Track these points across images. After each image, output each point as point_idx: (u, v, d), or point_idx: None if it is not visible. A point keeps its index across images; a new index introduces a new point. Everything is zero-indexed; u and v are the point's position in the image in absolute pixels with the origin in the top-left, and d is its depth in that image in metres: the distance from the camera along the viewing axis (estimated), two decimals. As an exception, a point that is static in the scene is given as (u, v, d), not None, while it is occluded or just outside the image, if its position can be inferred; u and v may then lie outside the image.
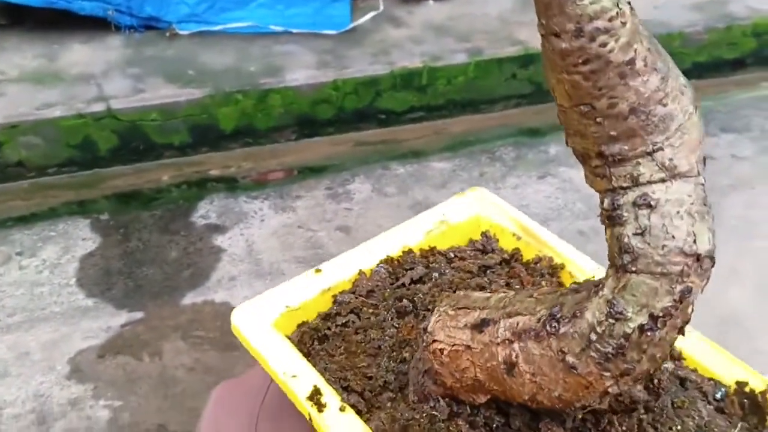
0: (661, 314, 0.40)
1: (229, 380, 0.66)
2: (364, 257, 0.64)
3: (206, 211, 1.74)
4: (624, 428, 0.49)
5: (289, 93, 1.98)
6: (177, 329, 1.37)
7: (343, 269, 0.63)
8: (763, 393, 0.52)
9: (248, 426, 0.63)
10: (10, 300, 1.47)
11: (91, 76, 1.98)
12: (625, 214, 0.41)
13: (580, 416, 0.48)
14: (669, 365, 0.54)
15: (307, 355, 0.57)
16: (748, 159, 1.98)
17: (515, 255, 0.68)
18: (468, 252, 0.68)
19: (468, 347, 0.46)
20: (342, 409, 0.51)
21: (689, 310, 0.41)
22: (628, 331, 0.40)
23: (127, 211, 1.76)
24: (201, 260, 1.56)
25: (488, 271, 0.66)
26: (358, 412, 0.52)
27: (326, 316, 0.61)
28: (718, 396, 0.53)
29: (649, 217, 0.40)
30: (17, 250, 1.62)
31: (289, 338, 0.58)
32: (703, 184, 0.42)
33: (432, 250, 0.67)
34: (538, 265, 0.66)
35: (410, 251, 0.66)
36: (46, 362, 1.32)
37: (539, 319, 0.43)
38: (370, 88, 2.04)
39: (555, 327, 0.42)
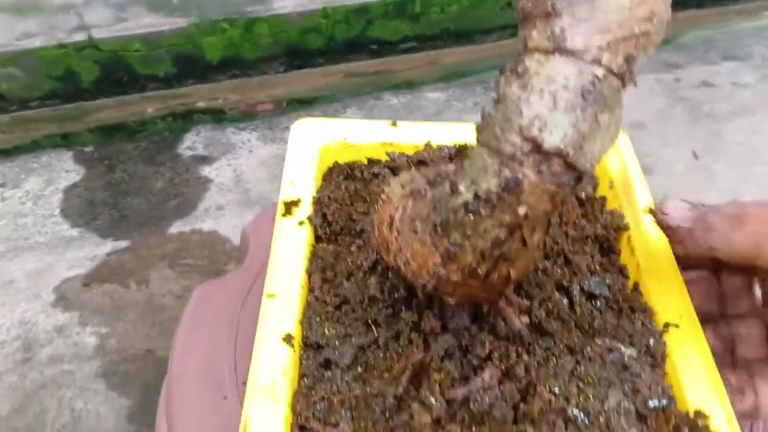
0: (483, 197, 0.34)
1: (212, 281, 0.64)
2: (438, 134, 0.60)
3: (192, 143, 1.70)
4: (497, 355, 0.44)
5: (278, 21, 1.91)
6: (164, 258, 1.34)
7: (416, 136, 0.60)
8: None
9: (228, 334, 0.60)
10: (-7, 231, 1.44)
11: (72, 6, 1.90)
12: (502, 80, 0.34)
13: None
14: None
15: (323, 180, 0.56)
16: (750, 86, 1.93)
17: None
18: None
19: (385, 199, 0.43)
20: (300, 223, 0.50)
21: (520, 211, 0.34)
22: (455, 205, 0.35)
23: (112, 143, 1.71)
24: (188, 190, 1.52)
25: None
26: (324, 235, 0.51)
27: (369, 162, 0.58)
28: (652, 404, 0.41)
29: (511, 85, 0.34)
30: (0, 182, 1.58)
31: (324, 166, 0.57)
32: (599, 79, 0.33)
33: None
34: None
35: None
36: (31, 290, 1.30)
37: (427, 181, 0.40)
38: (361, 16, 1.97)
39: (425, 189, 0.39)
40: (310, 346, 0.44)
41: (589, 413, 0.40)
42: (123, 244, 1.40)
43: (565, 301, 0.47)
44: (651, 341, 0.44)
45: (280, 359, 0.41)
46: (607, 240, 0.51)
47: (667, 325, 0.45)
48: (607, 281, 0.48)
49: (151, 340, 1.21)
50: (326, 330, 0.45)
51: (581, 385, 0.42)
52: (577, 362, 0.43)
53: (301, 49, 1.97)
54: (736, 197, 1.49)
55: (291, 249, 0.48)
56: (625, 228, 0.51)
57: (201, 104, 1.86)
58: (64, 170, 1.62)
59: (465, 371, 0.43)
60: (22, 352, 1.19)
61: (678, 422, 0.40)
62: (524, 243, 0.36)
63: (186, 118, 1.80)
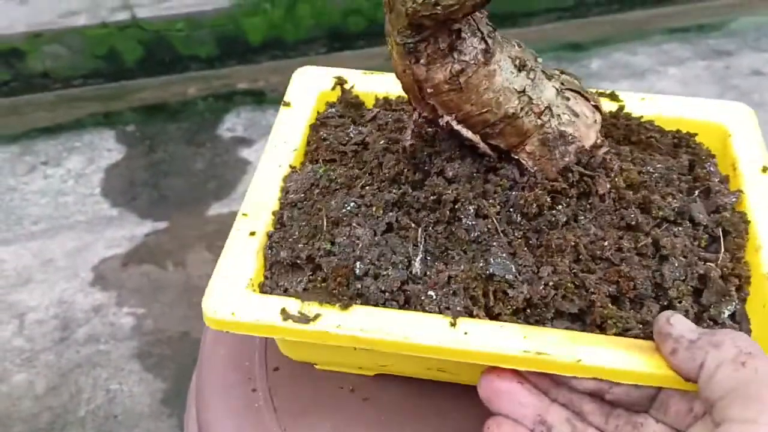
0: None
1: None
2: None
3: (233, 124, 1.68)
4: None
5: (319, 3, 1.88)
6: (202, 239, 1.33)
7: None
8: None
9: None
10: (34, 208, 1.44)
11: (115, -16, 1.90)
12: None
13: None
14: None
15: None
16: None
17: None
18: None
19: None
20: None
21: None
22: None
23: (153, 123, 1.71)
24: (227, 172, 1.51)
25: None
26: None
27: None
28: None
29: None
30: (42, 160, 1.58)
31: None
32: None
33: None
34: None
35: None
36: (70, 269, 1.30)
37: None
38: (405, -2, 1.92)
39: None
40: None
41: None
42: (162, 224, 1.39)
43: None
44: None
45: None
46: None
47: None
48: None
49: (187, 323, 1.19)
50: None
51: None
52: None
53: (342, 31, 1.94)
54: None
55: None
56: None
57: (242, 86, 1.84)
58: (106, 149, 1.61)
59: None
60: (60, 331, 1.19)
61: None
62: None
63: (227, 99, 1.78)
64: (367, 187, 0.47)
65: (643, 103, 0.57)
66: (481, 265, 0.43)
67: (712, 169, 0.52)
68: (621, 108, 0.56)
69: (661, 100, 0.57)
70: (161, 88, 1.84)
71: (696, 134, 0.55)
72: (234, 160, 1.54)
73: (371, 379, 0.49)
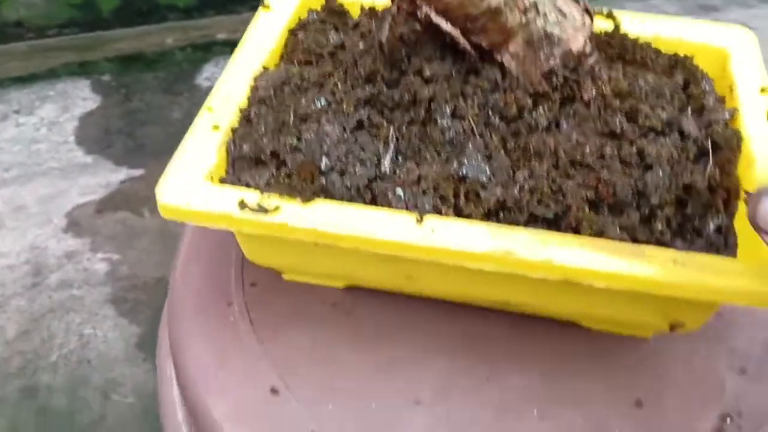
0: None
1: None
2: None
3: (211, 74, 1.64)
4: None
5: (302, -49, 1.83)
6: (179, 187, 1.29)
7: None
8: None
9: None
10: (7, 156, 1.40)
11: (91, -70, 1.83)
12: None
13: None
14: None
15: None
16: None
17: None
18: None
19: None
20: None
21: None
22: None
23: (129, 72, 1.66)
24: (205, 120, 1.47)
25: None
26: None
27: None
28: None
29: None
30: (14, 108, 1.54)
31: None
32: None
33: None
34: None
35: None
36: (43, 216, 1.26)
37: None
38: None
39: None
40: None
41: None
42: (138, 172, 1.35)
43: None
44: None
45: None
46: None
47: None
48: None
49: (163, 268, 1.17)
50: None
51: None
52: None
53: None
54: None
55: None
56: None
57: (221, 36, 1.79)
58: (81, 98, 1.57)
59: None
60: (31, 277, 1.16)
61: None
62: None
63: (206, 49, 1.73)
64: (339, 85, 0.44)
65: (640, 24, 0.54)
66: (454, 166, 0.41)
67: (707, 88, 0.50)
68: (617, 27, 0.54)
69: (660, 22, 0.54)
70: (138, 38, 1.78)
71: (694, 56, 0.52)
72: (213, 109, 1.50)
73: (353, 295, 0.47)
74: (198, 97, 1.55)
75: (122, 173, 1.35)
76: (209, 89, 1.54)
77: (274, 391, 0.42)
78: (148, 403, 1.00)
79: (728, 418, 0.45)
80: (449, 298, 0.47)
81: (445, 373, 0.44)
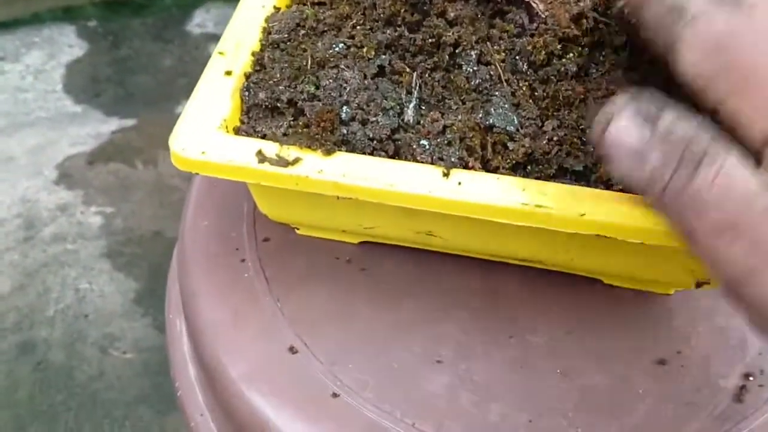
0: None
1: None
2: None
3: (202, 20, 1.59)
4: None
5: None
6: (172, 138, 1.26)
7: None
8: None
9: (247, 192, 0.53)
10: (-8, 105, 1.36)
11: None
12: None
13: None
14: None
15: None
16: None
17: None
18: None
19: None
20: None
21: None
22: None
23: (117, 18, 1.60)
24: (197, 69, 1.42)
25: None
26: None
27: None
28: None
29: None
30: (-1, 55, 1.49)
31: None
32: None
33: None
34: None
35: None
36: (33, 167, 1.23)
37: None
38: None
39: None
40: None
41: None
42: (129, 122, 1.32)
43: None
44: None
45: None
46: None
47: None
48: None
49: (159, 222, 1.15)
50: None
51: None
52: None
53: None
54: None
55: None
56: None
57: (212, -20, 1.73)
58: (67, 45, 1.52)
59: None
60: (24, 230, 1.14)
61: None
62: None
63: (196, -5, 1.68)
64: (358, 28, 0.42)
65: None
66: (480, 115, 0.39)
67: None
68: None
69: None
70: (125, -18, 1.72)
71: None
72: (204, 57, 1.46)
73: (369, 250, 0.46)
74: (189, 44, 1.50)
75: (113, 123, 1.31)
76: (200, 37, 1.50)
77: (293, 350, 0.40)
78: (147, 358, 1.00)
79: (750, 377, 0.44)
80: (469, 254, 0.45)
81: (467, 332, 0.43)
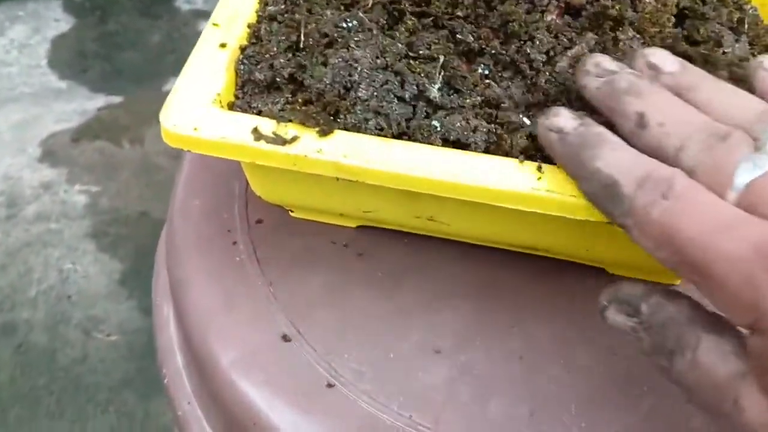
0: None
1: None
2: None
3: (192, -4, 1.56)
4: None
5: None
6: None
7: None
8: None
9: (239, 171, 0.51)
10: (-26, 79, 1.32)
11: None
12: None
13: None
14: None
15: None
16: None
17: None
18: None
19: None
20: None
21: None
22: None
23: (104, -7, 1.57)
24: (186, 46, 1.39)
25: None
26: None
27: None
28: None
29: None
30: (-19, 29, 1.45)
31: None
32: None
33: None
34: None
35: None
36: (16, 144, 1.20)
37: None
38: None
39: None
40: None
41: None
42: (116, 99, 1.29)
43: None
44: None
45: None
46: None
47: None
48: None
49: (145, 202, 1.12)
50: None
51: None
52: None
53: None
54: None
55: None
56: None
57: (202, -45, 1.69)
58: (53, 19, 1.48)
59: None
60: (6, 208, 1.11)
61: None
62: None
63: (185, -29, 1.64)
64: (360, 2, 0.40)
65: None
66: (490, 96, 0.38)
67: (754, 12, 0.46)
68: None
69: None
70: (112, -45, 1.68)
71: None
72: (193, 34, 1.43)
73: (367, 235, 0.44)
74: (178, 20, 1.47)
75: (99, 100, 1.28)
76: (189, 13, 1.47)
77: (285, 338, 0.38)
78: (131, 341, 0.98)
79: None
80: (471, 240, 0.44)
81: (466, 321, 0.41)
